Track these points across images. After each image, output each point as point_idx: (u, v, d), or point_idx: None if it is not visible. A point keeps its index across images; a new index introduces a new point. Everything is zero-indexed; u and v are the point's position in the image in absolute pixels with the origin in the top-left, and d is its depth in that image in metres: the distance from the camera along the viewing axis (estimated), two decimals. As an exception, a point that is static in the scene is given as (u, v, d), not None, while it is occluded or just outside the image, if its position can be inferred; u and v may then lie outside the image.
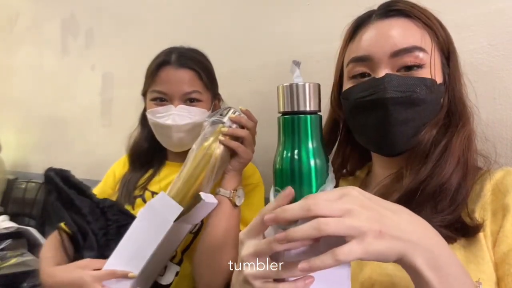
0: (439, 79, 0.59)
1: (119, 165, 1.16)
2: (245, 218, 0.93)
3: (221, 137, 0.84)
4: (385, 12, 0.61)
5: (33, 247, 1.78)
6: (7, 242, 1.79)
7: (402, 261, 0.40)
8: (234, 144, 0.85)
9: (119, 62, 1.93)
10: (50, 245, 0.96)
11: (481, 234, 0.53)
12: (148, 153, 1.08)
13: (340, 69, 0.67)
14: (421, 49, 0.58)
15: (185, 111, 0.96)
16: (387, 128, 0.57)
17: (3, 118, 3.05)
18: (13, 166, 2.78)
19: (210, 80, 1.02)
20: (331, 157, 0.72)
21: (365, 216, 0.39)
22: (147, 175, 1.07)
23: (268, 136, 1.20)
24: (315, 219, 0.38)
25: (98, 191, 1.10)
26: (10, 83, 3.05)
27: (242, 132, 0.86)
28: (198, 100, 0.98)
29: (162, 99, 0.98)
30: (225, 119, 0.87)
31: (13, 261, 1.58)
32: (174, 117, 0.95)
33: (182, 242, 0.92)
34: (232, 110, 0.88)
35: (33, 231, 1.89)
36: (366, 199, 0.41)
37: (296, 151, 0.45)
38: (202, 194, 0.81)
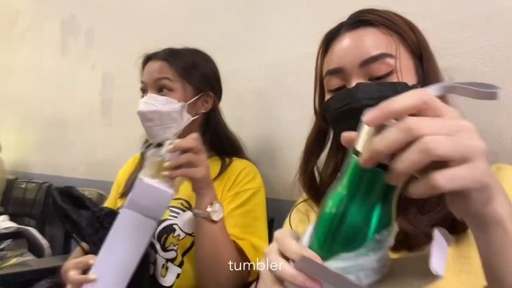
0: (411, 81, 0.60)
1: (122, 171, 1.19)
2: (244, 224, 0.93)
3: (165, 173, 0.80)
4: (353, 23, 0.64)
5: (33, 247, 1.78)
6: (7, 242, 1.79)
7: (486, 208, 0.35)
8: (179, 173, 0.81)
9: (119, 62, 1.93)
10: (72, 256, 0.99)
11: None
12: None
13: (320, 81, 0.69)
14: (388, 55, 0.59)
15: (152, 99, 0.97)
16: None
17: (3, 118, 3.05)
18: (13, 166, 2.78)
19: (188, 70, 1.00)
20: (321, 165, 0.72)
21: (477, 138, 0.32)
22: None
23: (268, 136, 1.21)
24: (420, 140, 0.31)
25: (109, 202, 1.13)
26: (10, 83, 3.05)
27: (183, 159, 0.80)
28: (168, 88, 0.98)
29: (144, 90, 1.02)
30: (163, 152, 0.82)
31: (13, 261, 1.58)
32: (142, 104, 0.97)
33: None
34: (168, 142, 0.83)
35: (33, 231, 1.89)
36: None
37: (366, 209, 0.37)
38: (141, 177, 0.79)
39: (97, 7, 2.11)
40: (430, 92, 0.35)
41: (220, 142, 1.05)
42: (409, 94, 0.33)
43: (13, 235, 1.86)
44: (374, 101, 0.57)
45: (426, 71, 0.62)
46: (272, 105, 1.19)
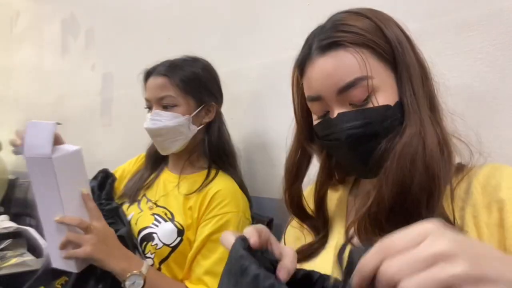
0: (393, 95, 0.57)
1: (128, 164, 1.23)
2: (216, 251, 0.93)
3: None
4: (322, 47, 0.60)
5: (33, 247, 1.78)
6: (7, 242, 1.79)
7: None
8: (66, 254, 0.84)
9: (119, 62, 1.93)
10: None
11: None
12: (158, 156, 1.11)
13: (300, 101, 0.67)
14: (364, 78, 0.56)
15: (157, 116, 1.00)
16: (358, 160, 0.59)
17: (3, 118, 3.05)
18: (14, 166, 2.78)
19: (189, 84, 1.01)
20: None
21: (462, 257, 0.29)
22: (150, 178, 1.11)
23: (266, 135, 1.20)
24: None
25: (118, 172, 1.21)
26: (10, 83, 3.05)
27: (65, 239, 0.84)
28: (172, 105, 1.00)
29: (149, 106, 1.04)
30: None
31: (13, 261, 1.58)
32: (149, 122, 1.00)
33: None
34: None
35: (33, 231, 1.88)
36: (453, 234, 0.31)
37: None
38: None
39: (97, 7, 2.11)
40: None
41: (213, 152, 1.05)
42: (370, 255, 0.32)
43: (13, 235, 1.85)
44: (357, 130, 0.56)
45: (404, 83, 0.57)
46: (271, 105, 1.19)
